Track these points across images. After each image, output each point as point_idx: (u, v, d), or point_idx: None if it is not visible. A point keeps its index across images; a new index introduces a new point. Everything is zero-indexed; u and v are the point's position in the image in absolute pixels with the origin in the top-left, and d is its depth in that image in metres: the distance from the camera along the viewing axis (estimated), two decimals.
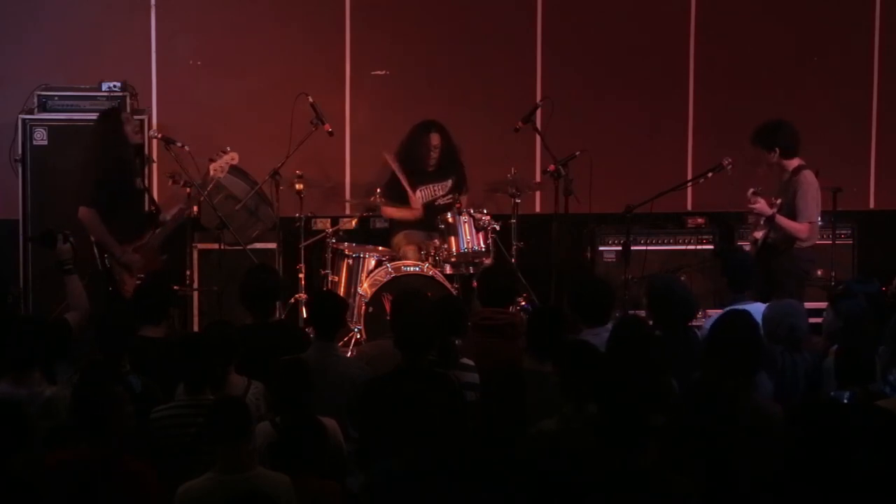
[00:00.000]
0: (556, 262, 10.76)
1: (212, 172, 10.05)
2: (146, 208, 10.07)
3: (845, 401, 6.81)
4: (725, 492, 6.37)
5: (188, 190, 9.89)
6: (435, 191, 10.93)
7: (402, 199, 10.86)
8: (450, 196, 10.87)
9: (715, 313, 8.63)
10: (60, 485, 6.09)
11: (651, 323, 8.26)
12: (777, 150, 9.95)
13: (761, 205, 9.84)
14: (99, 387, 6.44)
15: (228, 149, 10.14)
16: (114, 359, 7.31)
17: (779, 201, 9.86)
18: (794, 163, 9.99)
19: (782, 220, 9.86)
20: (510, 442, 6.51)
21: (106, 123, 9.79)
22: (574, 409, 6.70)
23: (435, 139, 10.86)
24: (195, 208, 10.04)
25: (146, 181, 10.49)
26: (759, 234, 9.95)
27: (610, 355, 7.34)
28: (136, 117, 10.24)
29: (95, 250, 9.59)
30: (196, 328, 10.38)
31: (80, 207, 9.56)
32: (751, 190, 9.86)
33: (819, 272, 10.78)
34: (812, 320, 8.44)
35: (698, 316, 10.67)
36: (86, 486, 6.12)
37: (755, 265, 9.39)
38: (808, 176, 9.96)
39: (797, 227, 9.90)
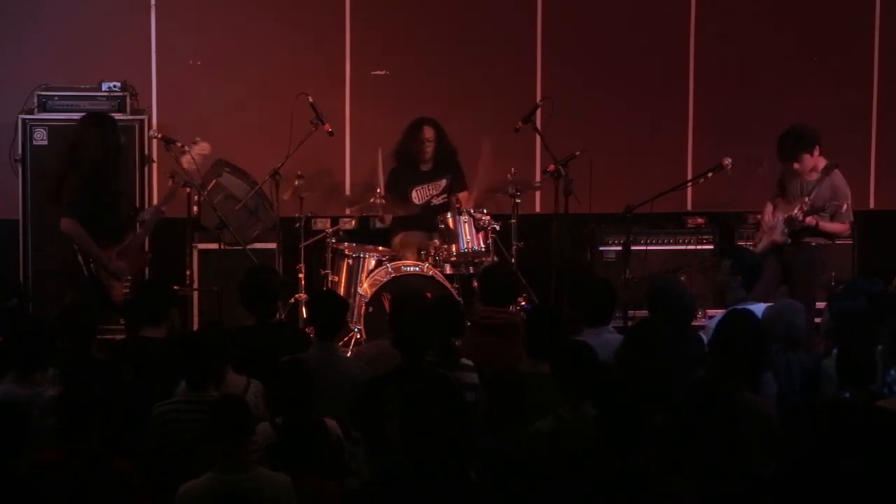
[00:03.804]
0: (556, 262, 10.75)
1: (185, 165, 10.02)
2: (128, 210, 10.01)
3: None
4: (725, 492, 6.37)
5: (188, 190, 9.87)
6: (429, 191, 10.92)
7: (401, 198, 10.83)
8: (445, 196, 10.86)
9: (715, 313, 8.64)
10: (47, 485, 6.09)
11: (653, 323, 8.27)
12: (817, 147, 10.00)
13: (810, 218, 9.90)
14: (83, 386, 6.46)
15: (198, 139, 10.11)
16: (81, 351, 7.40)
17: (807, 199, 9.91)
18: (823, 161, 10.05)
19: (827, 227, 9.95)
20: (509, 442, 6.52)
21: (104, 130, 9.68)
22: (571, 409, 6.71)
23: (428, 132, 10.84)
24: (195, 208, 10.05)
25: (141, 182, 10.47)
26: (789, 240, 9.97)
27: (621, 358, 7.37)
28: (135, 117, 10.23)
29: (80, 258, 9.54)
30: (196, 328, 10.37)
31: (62, 219, 9.48)
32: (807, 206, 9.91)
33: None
34: (817, 320, 8.45)
35: (698, 316, 10.71)
36: (71, 486, 6.13)
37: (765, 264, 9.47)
38: (841, 176, 10.06)
39: (840, 229, 10.08)
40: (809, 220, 9.91)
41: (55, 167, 9.71)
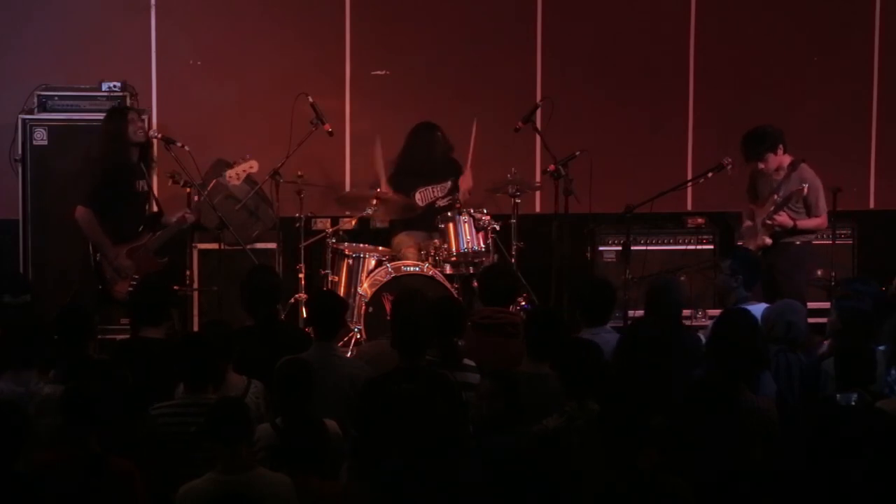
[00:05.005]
0: (556, 262, 10.75)
1: (227, 179, 10.07)
2: (149, 210, 10.05)
3: (853, 403, 6.81)
4: (725, 492, 6.37)
5: (188, 190, 9.89)
6: (434, 192, 10.91)
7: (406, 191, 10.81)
8: (449, 197, 10.86)
9: (716, 314, 8.64)
10: (46, 485, 6.09)
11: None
12: (781, 147, 10.00)
13: (783, 217, 9.89)
14: (83, 387, 6.46)
15: (248, 156, 10.15)
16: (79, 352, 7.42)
17: (776, 197, 9.92)
18: (788, 158, 10.06)
19: (804, 224, 9.95)
20: (507, 441, 6.52)
21: (110, 123, 9.78)
22: (577, 406, 6.72)
23: (438, 137, 10.83)
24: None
25: (150, 183, 10.49)
26: (769, 241, 9.97)
27: (620, 358, 7.37)
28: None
29: (90, 248, 9.59)
30: (196, 328, 10.38)
31: (77, 206, 9.56)
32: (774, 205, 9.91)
33: (819, 272, 10.79)
34: (812, 320, 8.45)
35: (698, 316, 10.72)
36: (70, 487, 6.13)
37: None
38: (809, 170, 10.05)
39: (818, 223, 10.11)
40: (784, 219, 9.90)
41: (81, 166, 9.75)
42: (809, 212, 10.02)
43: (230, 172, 10.10)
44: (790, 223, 9.93)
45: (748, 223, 10.18)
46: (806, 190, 9.86)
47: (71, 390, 6.47)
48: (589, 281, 9.82)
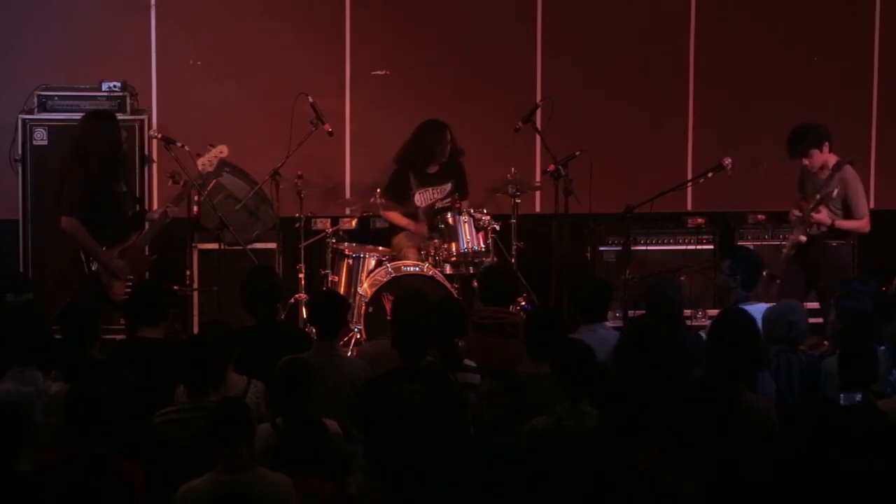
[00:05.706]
0: (556, 262, 10.75)
1: (199, 168, 10.03)
2: (132, 210, 10.01)
3: (857, 402, 6.81)
4: (725, 492, 6.38)
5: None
6: (434, 194, 10.90)
7: (404, 199, 10.82)
8: (449, 199, 10.84)
9: (716, 314, 8.64)
10: (48, 485, 6.09)
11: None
12: (826, 145, 10.00)
13: (822, 215, 9.89)
14: (89, 386, 6.46)
15: (215, 143, 10.11)
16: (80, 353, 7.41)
17: (818, 196, 9.92)
18: (834, 158, 10.05)
19: (843, 224, 9.95)
20: (507, 441, 6.53)
21: (104, 122, 9.71)
22: (569, 407, 6.72)
23: (449, 136, 10.82)
24: (195, 209, 10.05)
25: (141, 182, 10.47)
26: (804, 238, 9.97)
27: (620, 358, 7.38)
28: (135, 117, 10.25)
29: (82, 256, 9.55)
30: (196, 328, 10.39)
31: (61, 217, 9.49)
32: (819, 199, 9.91)
33: None
34: (811, 320, 8.46)
35: (698, 316, 10.72)
36: (73, 487, 6.13)
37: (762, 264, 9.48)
38: (853, 171, 10.07)
39: (859, 225, 10.11)
40: (822, 216, 9.90)
41: (58, 165, 9.71)
42: (849, 214, 10.02)
43: (201, 160, 10.04)
44: (828, 221, 9.94)
45: (796, 213, 10.15)
46: (835, 192, 9.87)
47: (75, 390, 6.47)
48: (585, 279, 9.84)
